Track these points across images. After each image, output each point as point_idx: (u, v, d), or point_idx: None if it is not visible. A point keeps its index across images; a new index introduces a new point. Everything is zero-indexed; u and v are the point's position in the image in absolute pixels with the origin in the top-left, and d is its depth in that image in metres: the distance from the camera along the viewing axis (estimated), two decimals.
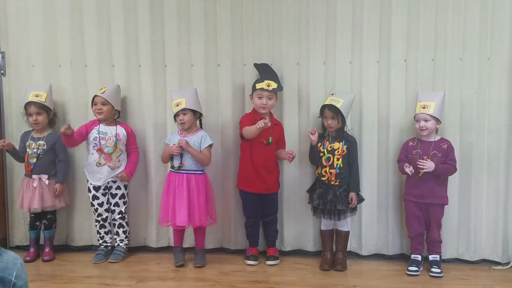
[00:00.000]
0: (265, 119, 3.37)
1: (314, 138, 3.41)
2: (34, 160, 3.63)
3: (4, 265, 1.58)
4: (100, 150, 3.61)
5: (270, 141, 3.49)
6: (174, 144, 3.47)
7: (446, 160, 3.31)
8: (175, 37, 3.69)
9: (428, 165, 3.25)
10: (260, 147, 3.49)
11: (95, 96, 3.60)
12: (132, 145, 3.71)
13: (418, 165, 3.27)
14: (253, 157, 3.51)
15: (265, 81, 3.47)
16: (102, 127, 3.63)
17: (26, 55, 3.81)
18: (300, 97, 3.65)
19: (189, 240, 3.75)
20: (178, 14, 3.67)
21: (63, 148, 3.70)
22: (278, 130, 3.55)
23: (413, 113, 3.44)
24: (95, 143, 3.61)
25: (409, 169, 3.29)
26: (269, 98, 3.47)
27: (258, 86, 3.47)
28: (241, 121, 3.54)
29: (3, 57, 3.83)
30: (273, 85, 3.45)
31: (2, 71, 3.85)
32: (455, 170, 3.35)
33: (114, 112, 3.66)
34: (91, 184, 3.67)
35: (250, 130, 3.40)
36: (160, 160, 3.64)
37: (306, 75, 3.63)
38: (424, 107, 3.29)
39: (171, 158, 3.52)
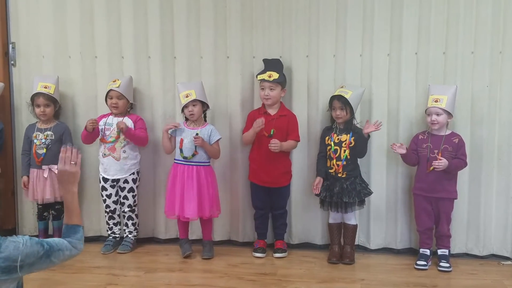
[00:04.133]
0: (262, 120, 3.37)
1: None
2: (44, 150, 3.64)
3: (5, 255, 1.60)
4: (103, 140, 3.62)
5: (272, 133, 3.47)
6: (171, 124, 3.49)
7: (457, 155, 3.29)
8: (185, 29, 3.68)
9: (442, 164, 3.22)
10: (262, 139, 3.48)
11: (110, 90, 3.59)
12: (139, 127, 3.64)
13: (433, 164, 3.25)
14: (257, 149, 3.52)
15: (267, 72, 3.45)
16: (110, 118, 3.64)
17: (36, 46, 3.82)
18: (310, 90, 3.63)
19: (197, 232, 3.76)
20: (187, 5, 3.66)
21: (70, 138, 3.73)
22: (285, 121, 3.51)
23: (424, 107, 3.42)
24: (101, 134, 3.62)
25: (399, 148, 3.32)
26: (271, 88, 3.45)
27: (259, 77, 3.47)
28: (246, 121, 3.59)
29: (13, 48, 3.84)
30: (275, 75, 3.43)
31: (12, 62, 3.86)
32: (465, 165, 3.33)
33: (128, 105, 3.67)
34: (101, 174, 3.69)
35: (247, 135, 3.49)
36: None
37: (316, 68, 3.61)
38: (436, 101, 3.27)
39: (180, 150, 3.50)
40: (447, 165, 3.23)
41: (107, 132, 3.61)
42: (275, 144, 3.37)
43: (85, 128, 3.56)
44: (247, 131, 3.55)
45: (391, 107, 3.56)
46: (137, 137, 3.60)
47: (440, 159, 3.24)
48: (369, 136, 3.38)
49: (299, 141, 3.54)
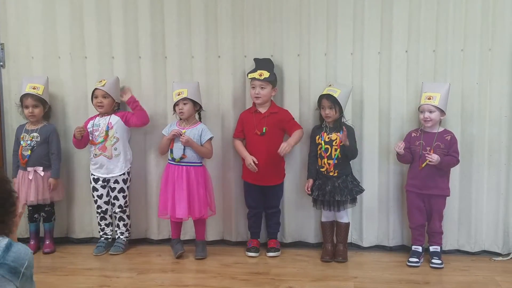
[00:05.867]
0: (254, 162, 3.42)
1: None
2: (28, 152, 3.61)
3: (16, 255, 1.62)
4: (92, 142, 3.61)
5: (264, 131, 3.47)
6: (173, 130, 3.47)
7: (449, 152, 3.32)
8: (175, 28, 3.67)
9: (435, 158, 3.24)
10: (255, 138, 3.49)
11: (96, 89, 3.58)
12: (131, 114, 3.61)
13: (426, 156, 3.26)
14: (249, 148, 3.52)
15: (257, 70, 3.46)
16: (97, 119, 3.63)
17: (26, 47, 3.78)
18: (301, 89, 3.64)
19: (190, 232, 3.75)
20: (178, 5, 3.65)
21: (56, 140, 3.68)
22: (277, 118, 3.50)
23: (415, 105, 3.45)
24: (90, 136, 3.61)
25: (398, 147, 3.30)
26: (262, 87, 3.45)
27: (250, 76, 3.48)
28: (237, 123, 3.60)
29: (2, 49, 3.80)
30: (265, 74, 3.43)
31: (1, 63, 3.82)
32: (457, 162, 3.36)
33: (114, 105, 3.65)
34: (92, 175, 3.67)
35: (238, 150, 3.56)
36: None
37: (307, 66, 3.61)
38: (429, 98, 3.28)
39: (170, 150, 3.50)
40: (439, 160, 3.24)
41: (96, 133, 3.60)
42: (284, 148, 3.37)
43: (74, 135, 3.55)
44: (238, 132, 3.58)
45: (382, 105, 3.57)
46: (141, 110, 3.57)
47: (432, 154, 3.25)
48: (348, 144, 3.35)
49: (302, 128, 3.51)
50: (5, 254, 1.59)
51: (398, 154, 3.39)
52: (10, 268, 1.59)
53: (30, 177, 3.60)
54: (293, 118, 3.54)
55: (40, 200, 3.63)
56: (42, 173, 3.63)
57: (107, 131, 3.58)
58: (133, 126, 3.63)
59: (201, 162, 3.54)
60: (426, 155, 3.26)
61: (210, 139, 3.53)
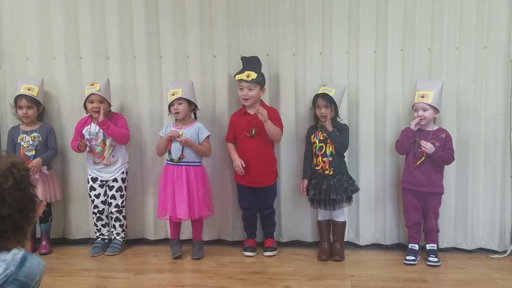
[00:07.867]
0: (242, 165, 3.42)
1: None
2: (33, 152, 3.60)
3: (29, 271, 1.56)
4: (91, 151, 3.60)
5: (253, 133, 3.46)
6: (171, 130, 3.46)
7: (444, 150, 3.32)
8: (171, 28, 3.67)
9: (429, 146, 3.24)
10: (245, 140, 3.49)
11: (91, 94, 3.52)
12: (121, 126, 3.58)
13: (420, 144, 3.26)
14: (242, 150, 3.51)
15: (245, 72, 3.44)
16: (93, 127, 3.60)
17: (21, 48, 3.77)
18: (297, 88, 3.64)
19: (187, 232, 3.75)
20: (173, 5, 3.64)
21: (54, 138, 3.70)
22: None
23: (410, 103, 3.45)
24: (88, 145, 3.58)
25: (414, 122, 3.29)
26: (250, 89, 3.43)
27: (237, 77, 3.45)
28: (229, 126, 3.59)
29: None
30: (253, 75, 3.41)
31: None
32: (452, 159, 3.36)
33: (109, 107, 3.63)
34: (89, 174, 3.67)
35: (229, 153, 3.55)
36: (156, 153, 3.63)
37: (303, 65, 3.61)
38: (422, 96, 3.29)
39: (168, 151, 3.50)
40: (433, 149, 3.24)
41: (93, 142, 3.59)
42: (262, 112, 3.29)
43: (78, 146, 3.52)
44: (230, 136, 3.58)
45: (378, 103, 3.58)
46: (116, 135, 3.55)
47: (426, 142, 3.25)
48: (334, 130, 3.37)
49: (282, 131, 3.50)
50: (19, 269, 1.53)
51: (398, 143, 3.38)
52: (20, 284, 1.53)
53: (36, 177, 3.59)
54: (280, 120, 3.51)
55: (49, 199, 3.63)
56: (47, 172, 3.62)
57: (103, 140, 3.58)
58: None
59: (200, 162, 3.53)
60: (420, 142, 3.26)
61: (208, 137, 3.52)
